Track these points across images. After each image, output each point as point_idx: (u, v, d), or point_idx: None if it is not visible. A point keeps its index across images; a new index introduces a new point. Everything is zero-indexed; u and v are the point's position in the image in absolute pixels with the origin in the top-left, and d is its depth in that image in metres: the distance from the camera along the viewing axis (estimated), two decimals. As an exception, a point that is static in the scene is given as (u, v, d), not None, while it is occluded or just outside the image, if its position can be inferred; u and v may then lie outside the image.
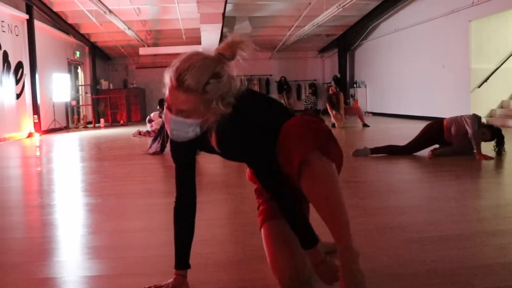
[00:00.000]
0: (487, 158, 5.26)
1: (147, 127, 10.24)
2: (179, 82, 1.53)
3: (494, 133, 5.63)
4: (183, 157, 1.83)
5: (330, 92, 11.51)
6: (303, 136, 1.65)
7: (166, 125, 1.65)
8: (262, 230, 1.97)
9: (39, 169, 6.06)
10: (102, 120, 15.70)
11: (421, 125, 6.31)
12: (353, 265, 1.63)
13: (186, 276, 1.85)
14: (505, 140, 5.63)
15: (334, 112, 10.96)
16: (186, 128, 1.61)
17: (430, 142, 5.91)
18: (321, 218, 1.68)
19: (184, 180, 1.84)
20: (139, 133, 10.30)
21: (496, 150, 5.59)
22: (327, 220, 1.66)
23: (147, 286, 1.83)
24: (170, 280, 1.83)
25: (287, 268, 1.78)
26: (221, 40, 14.86)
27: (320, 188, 1.64)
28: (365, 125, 10.70)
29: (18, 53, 11.31)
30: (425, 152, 5.79)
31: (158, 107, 10.46)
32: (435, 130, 5.88)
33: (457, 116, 5.83)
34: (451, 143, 5.70)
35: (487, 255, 2.19)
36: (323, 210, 1.66)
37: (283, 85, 19.37)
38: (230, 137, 1.71)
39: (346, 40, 17.43)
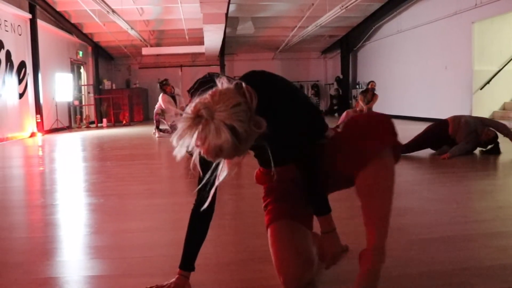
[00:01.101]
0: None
1: (164, 125, 10.26)
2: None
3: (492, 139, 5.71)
4: (209, 166, 1.81)
5: (370, 87, 11.35)
6: (385, 130, 1.69)
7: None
8: (268, 230, 1.98)
9: (41, 168, 6.08)
10: (104, 120, 15.73)
11: (423, 127, 6.31)
12: (379, 266, 1.65)
13: (189, 278, 1.86)
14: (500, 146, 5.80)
15: (363, 105, 10.83)
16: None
17: (434, 140, 5.91)
18: (364, 210, 1.69)
19: (208, 186, 1.85)
20: (161, 130, 10.22)
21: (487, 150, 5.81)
22: (372, 214, 1.68)
23: (148, 287, 1.84)
24: (172, 280, 1.84)
25: (293, 269, 1.78)
26: (224, 40, 14.90)
27: (383, 182, 1.68)
28: None
29: (21, 53, 11.33)
30: (425, 152, 5.79)
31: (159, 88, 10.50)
32: (440, 127, 5.90)
33: (460, 116, 5.87)
34: (455, 139, 5.71)
35: (487, 257, 2.19)
36: (373, 201, 1.68)
37: None
38: (273, 138, 1.63)
39: (349, 41, 17.43)
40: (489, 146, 5.80)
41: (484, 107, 10.17)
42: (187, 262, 1.87)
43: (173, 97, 10.54)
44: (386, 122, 1.72)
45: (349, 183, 1.78)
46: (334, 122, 13.16)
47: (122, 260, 2.31)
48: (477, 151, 5.92)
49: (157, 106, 10.41)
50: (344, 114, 11.00)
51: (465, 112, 10.31)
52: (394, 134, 1.71)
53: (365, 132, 1.68)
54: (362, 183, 1.70)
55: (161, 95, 10.34)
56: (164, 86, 10.45)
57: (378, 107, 15.83)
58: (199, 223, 1.89)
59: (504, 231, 2.60)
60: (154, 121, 10.29)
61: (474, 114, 10.11)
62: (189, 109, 1.46)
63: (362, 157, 1.66)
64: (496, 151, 5.78)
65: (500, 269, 2.01)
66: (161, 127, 10.23)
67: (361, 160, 1.66)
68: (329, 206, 1.82)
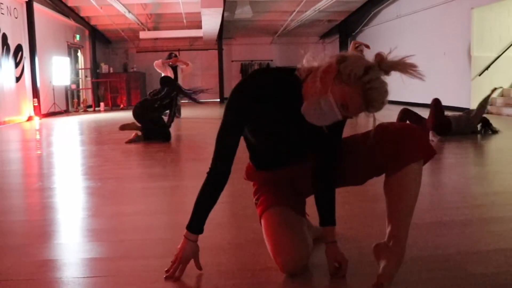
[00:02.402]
0: None
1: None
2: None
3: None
4: (238, 134, 1.85)
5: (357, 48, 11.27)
6: (426, 143, 1.79)
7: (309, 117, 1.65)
8: (262, 218, 1.99)
9: (39, 152, 6.08)
10: (102, 104, 15.67)
11: (422, 113, 6.32)
12: (401, 258, 1.70)
13: (197, 241, 1.86)
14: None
15: None
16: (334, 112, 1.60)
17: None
18: (390, 209, 1.75)
19: (230, 155, 1.85)
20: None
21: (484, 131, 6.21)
22: (400, 214, 1.74)
23: (166, 269, 1.85)
24: (179, 247, 1.85)
25: (291, 252, 1.80)
26: (222, 24, 14.81)
27: (413, 189, 1.73)
28: None
29: (18, 36, 11.25)
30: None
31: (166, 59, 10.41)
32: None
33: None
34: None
35: (483, 242, 2.21)
36: (402, 203, 1.73)
37: None
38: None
39: (348, 26, 17.34)
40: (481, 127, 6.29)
41: (483, 93, 10.13)
42: (196, 225, 1.86)
43: (175, 68, 10.45)
44: (425, 135, 1.84)
45: (377, 172, 1.84)
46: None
47: (120, 242, 2.32)
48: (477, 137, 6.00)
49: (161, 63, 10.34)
50: None
51: (463, 99, 10.33)
52: (432, 149, 1.78)
53: (408, 138, 1.74)
54: (394, 184, 1.75)
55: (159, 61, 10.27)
56: (173, 56, 10.41)
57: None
58: (214, 190, 1.88)
59: (500, 217, 2.62)
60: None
61: (473, 100, 10.13)
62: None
63: (403, 156, 1.71)
64: (492, 129, 6.28)
65: (495, 254, 2.03)
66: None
67: (401, 159, 1.71)
68: (335, 218, 1.88)
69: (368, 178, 1.91)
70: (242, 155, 1.97)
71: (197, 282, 1.81)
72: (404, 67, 1.64)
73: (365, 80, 1.55)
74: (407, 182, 1.72)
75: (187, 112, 10.85)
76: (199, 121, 9.95)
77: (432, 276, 1.81)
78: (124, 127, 6.58)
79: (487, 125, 6.40)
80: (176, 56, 10.55)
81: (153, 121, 6.41)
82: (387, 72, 1.62)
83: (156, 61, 10.20)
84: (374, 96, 1.56)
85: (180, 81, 10.20)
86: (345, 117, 1.64)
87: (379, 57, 1.62)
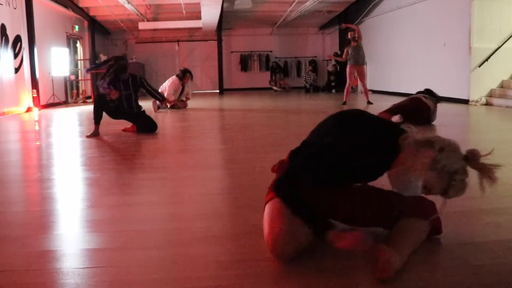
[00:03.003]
0: None
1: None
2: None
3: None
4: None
5: (350, 36, 11.40)
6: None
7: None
8: (266, 206, 2.01)
9: (38, 143, 6.07)
10: (101, 95, 15.62)
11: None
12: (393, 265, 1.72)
13: None
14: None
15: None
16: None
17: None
18: (393, 236, 1.90)
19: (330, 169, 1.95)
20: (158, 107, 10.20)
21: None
22: (399, 239, 1.87)
23: None
24: None
25: (285, 235, 1.82)
26: (221, 15, 14.74)
27: (418, 233, 1.94)
28: (369, 103, 10.68)
29: (16, 27, 11.20)
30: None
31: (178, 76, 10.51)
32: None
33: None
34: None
35: (482, 233, 2.22)
36: (404, 234, 1.90)
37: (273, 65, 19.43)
38: None
39: (348, 17, 17.26)
40: None
41: (482, 84, 10.14)
42: (321, 226, 1.84)
43: (183, 86, 10.68)
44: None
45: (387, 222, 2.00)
46: (331, 98, 13.14)
47: (119, 233, 2.33)
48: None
49: (164, 86, 10.38)
50: (345, 91, 10.99)
51: (464, 90, 10.32)
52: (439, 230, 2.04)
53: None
54: (403, 223, 1.92)
55: (174, 78, 10.33)
56: (187, 73, 10.53)
57: (376, 84, 15.81)
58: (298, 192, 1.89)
59: (500, 208, 2.62)
60: (153, 101, 10.19)
61: (472, 92, 10.13)
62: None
63: (417, 208, 1.94)
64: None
65: (494, 245, 2.04)
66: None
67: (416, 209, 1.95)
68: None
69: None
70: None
71: (195, 272, 1.82)
72: (487, 173, 1.88)
73: (453, 177, 1.82)
74: (414, 227, 1.93)
75: (189, 103, 10.84)
76: (199, 112, 9.94)
77: (433, 266, 1.82)
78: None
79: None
80: (190, 73, 10.74)
81: (134, 113, 6.37)
82: (471, 166, 1.88)
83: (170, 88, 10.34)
84: (455, 190, 1.85)
85: (183, 95, 10.63)
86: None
87: (473, 156, 1.87)
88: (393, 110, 6.45)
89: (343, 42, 17.92)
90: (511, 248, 2.02)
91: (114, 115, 6.37)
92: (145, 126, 6.33)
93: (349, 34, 11.47)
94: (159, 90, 10.31)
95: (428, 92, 6.63)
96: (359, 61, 10.84)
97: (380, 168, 1.96)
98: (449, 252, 1.96)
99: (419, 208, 1.96)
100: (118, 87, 6.20)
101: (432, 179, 1.80)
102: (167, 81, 10.62)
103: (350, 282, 1.74)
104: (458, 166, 1.82)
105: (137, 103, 6.47)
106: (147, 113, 6.64)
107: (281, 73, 19.25)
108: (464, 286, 1.69)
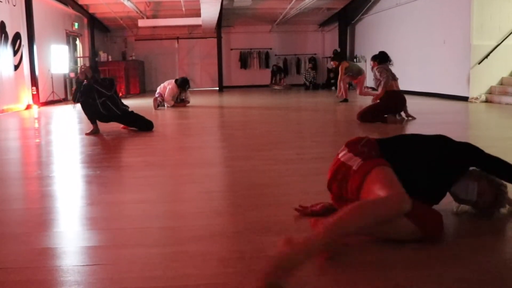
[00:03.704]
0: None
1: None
2: None
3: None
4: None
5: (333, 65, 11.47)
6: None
7: None
8: (373, 171, 2.07)
9: (37, 141, 6.07)
10: (100, 92, 15.60)
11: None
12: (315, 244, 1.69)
13: None
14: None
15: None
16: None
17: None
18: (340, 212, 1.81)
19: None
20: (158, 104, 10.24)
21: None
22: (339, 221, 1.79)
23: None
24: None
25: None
26: (221, 12, 14.72)
27: (372, 212, 1.85)
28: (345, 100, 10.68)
29: (16, 24, 11.18)
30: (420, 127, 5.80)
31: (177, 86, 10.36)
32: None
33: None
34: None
35: (480, 230, 2.22)
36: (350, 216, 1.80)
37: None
38: None
39: (347, 14, 17.25)
40: None
41: (482, 82, 10.14)
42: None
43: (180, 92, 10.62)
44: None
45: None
46: (330, 96, 13.13)
47: (118, 231, 2.33)
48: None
49: (162, 88, 10.32)
50: (342, 87, 10.96)
51: (463, 87, 10.31)
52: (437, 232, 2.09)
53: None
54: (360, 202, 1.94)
55: (173, 85, 10.25)
56: (186, 85, 10.43)
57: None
58: None
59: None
60: (154, 99, 10.20)
61: (472, 89, 10.14)
62: None
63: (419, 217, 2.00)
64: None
65: (492, 241, 2.04)
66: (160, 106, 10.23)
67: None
68: None
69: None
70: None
71: (194, 270, 1.82)
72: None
73: (500, 188, 2.31)
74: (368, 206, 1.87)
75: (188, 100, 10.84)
76: (199, 109, 9.94)
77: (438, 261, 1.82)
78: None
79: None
80: (189, 85, 10.69)
81: (126, 114, 6.37)
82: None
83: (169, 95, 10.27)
84: (503, 198, 2.32)
85: (183, 98, 10.58)
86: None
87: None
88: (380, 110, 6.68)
89: (343, 39, 17.91)
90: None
91: (107, 119, 6.31)
92: (143, 125, 6.32)
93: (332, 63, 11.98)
94: (158, 90, 10.34)
95: (381, 55, 7.13)
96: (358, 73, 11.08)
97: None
98: (445, 250, 1.96)
99: (418, 211, 1.98)
100: (103, 94, 6.17)
101: (484, 186, 2.27)
102: (166, 83, 10.47)
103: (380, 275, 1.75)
104: (502, 181, 2.32)
105: (122, 102, 6.45)
106: (148, 111, 6.63)
107: (281, 73, 19.24)
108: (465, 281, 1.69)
